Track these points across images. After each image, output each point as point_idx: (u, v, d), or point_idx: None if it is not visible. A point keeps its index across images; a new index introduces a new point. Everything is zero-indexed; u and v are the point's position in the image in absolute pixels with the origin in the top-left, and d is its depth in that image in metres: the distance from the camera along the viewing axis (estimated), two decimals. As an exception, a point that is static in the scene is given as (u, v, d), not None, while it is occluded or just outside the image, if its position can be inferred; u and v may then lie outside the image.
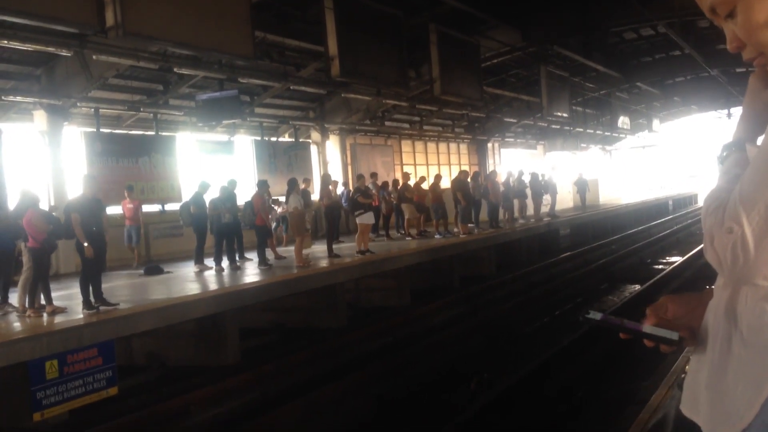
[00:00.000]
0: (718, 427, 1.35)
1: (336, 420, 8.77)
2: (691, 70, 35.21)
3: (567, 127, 36.86)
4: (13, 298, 10.70)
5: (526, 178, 26.43)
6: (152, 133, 19.45)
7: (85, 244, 10.24)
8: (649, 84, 38.67)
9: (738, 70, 32.75)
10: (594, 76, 33.08)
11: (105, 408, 9.24)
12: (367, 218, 16.82)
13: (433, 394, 9.62)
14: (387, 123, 28.46)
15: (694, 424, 1.39)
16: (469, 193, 20.92)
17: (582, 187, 31.73)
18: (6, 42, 12.92)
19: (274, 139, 23.71)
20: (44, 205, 13.14)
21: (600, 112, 39.83)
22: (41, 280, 10.13)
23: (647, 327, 1.44)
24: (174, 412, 9.06)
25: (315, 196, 19.51)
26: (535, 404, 8.69)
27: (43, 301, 10.19)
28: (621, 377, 9.47)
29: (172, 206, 18.71)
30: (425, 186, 21.44)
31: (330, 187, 18.40)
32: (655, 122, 47.30)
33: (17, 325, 9.61)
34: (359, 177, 18.48)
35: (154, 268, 15.40)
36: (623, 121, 41.59)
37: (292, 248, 17.87)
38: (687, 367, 1.49)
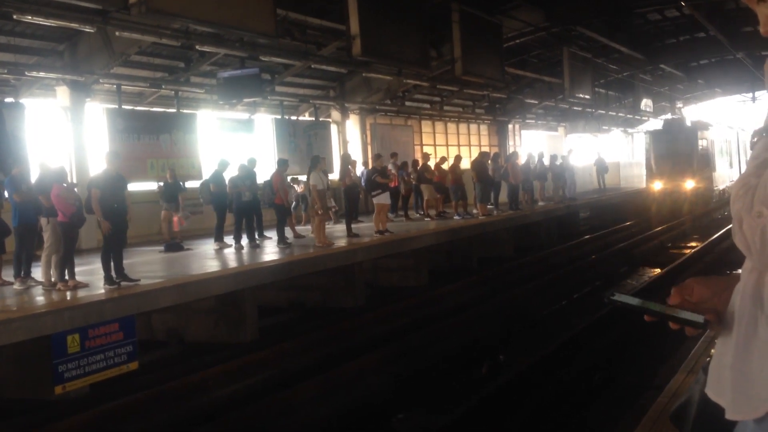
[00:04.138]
0: (741, 410, 1.35)
1: (353, 398, 8.83)
2: (716, 52, 34.72)
3: (589, 109, 36.57)
4: (36, 272, 10.84)
5: (546, 161, 26.39)
6: (173, 110, 19.52)
7: (102, 221, 10.33)
8: (673, 66, 38.22)
9: (764, 53, 32.23)
10: (617, 58, 32.75)
11: (125, 382, 9.35)
12: (383, 198, 16.84)
13: (450, 374, 9.66)
14: (407, 103, 28.36)
15: (718, 407, 1.39)
16: (486, 174, 20.84)
17: (601, 167, 31.61)
18: (30, 17, 12.99)
19: (294, 118, 23.71)
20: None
21: (623, 94, 39.48)
22: (67, 254, 10.24)
23: (673, 309, 1.44)
24: (193, 387, 9.16)
25: (332, 176, 19.51)
26: (553, 387, 8.70)
27: (66, 276, 10.30)
28: (639, 362, 9.44)
29: (193, 184, 18.80)
30: (445, 167, 21.38)
31: (350, 166, 18.41)
32: (679, 105, 46.78)
33: (40, 299, 9.73)
34: (377, 157, 18.45)
35: (174, 245, 15.51)
36: (646, 103, 41.19)
37: (310, 227, 17.93)
38: (712, 350, 1.49)
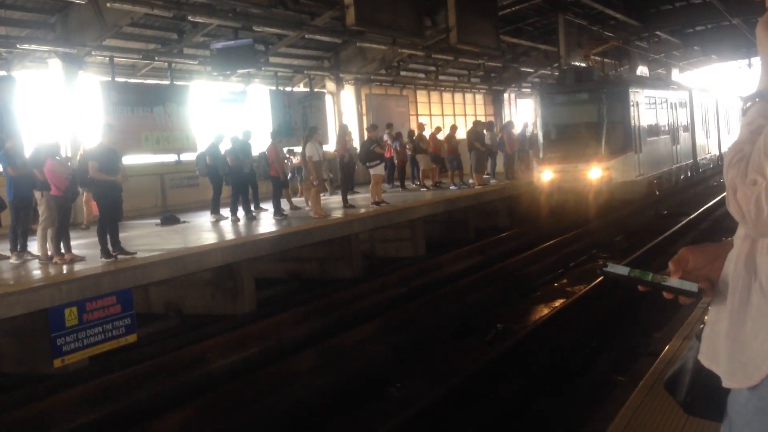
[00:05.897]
0: (736, 378, 1.35)
1: (351, 368, 8.87)
2: (712, 18, 34.49)
3: (585, 77, 36.35)
4: (32, 246, 10.83)
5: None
6: (167, 82, 19.38)
7: (116, 176, 10.39)
8: (668, 33, 37.97)
9: (760, 19, 32.00)
10: (613, 25, 32.53)
11: (124, 355, 9.40)
12: (380, 169, 16.84)
13: (447, 344, 9.71)
14: (402, 73, 28.20)
15: (713, 374, 1.40)
16: (483, 143, 20.79)
17: None
18: (20, -11, 12.85)
19: (289, 89, 23.58)
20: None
21: (618, 61, 39.20)
22: (62, 228, 10.24)
23: (666, 278, 1.44)
24: (191, 359, 9.20)
25: (327, 147, 19.44)
26: (548, 355, 8.76)
27: (62, 250, 10.30)
28: (634, 329, 9.49)
29: (188, 156, 18.73)
30: (440, 137, 21.31)
31: (346, 137, 18.34)
32: (675, 72, 46.46)
33: (37, 272, 9.73)
34: (374, 127, 18.35)
35: (170, 217, 15.48)
36: (642, 70, 40.93)
37: (304, 198, 17.90)
38: (705, 317, 1.49)
